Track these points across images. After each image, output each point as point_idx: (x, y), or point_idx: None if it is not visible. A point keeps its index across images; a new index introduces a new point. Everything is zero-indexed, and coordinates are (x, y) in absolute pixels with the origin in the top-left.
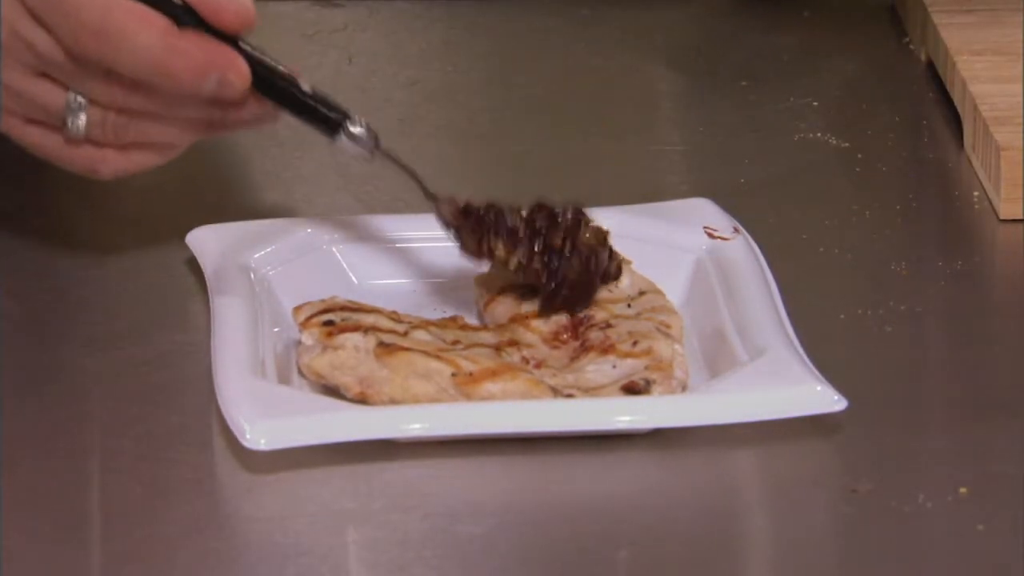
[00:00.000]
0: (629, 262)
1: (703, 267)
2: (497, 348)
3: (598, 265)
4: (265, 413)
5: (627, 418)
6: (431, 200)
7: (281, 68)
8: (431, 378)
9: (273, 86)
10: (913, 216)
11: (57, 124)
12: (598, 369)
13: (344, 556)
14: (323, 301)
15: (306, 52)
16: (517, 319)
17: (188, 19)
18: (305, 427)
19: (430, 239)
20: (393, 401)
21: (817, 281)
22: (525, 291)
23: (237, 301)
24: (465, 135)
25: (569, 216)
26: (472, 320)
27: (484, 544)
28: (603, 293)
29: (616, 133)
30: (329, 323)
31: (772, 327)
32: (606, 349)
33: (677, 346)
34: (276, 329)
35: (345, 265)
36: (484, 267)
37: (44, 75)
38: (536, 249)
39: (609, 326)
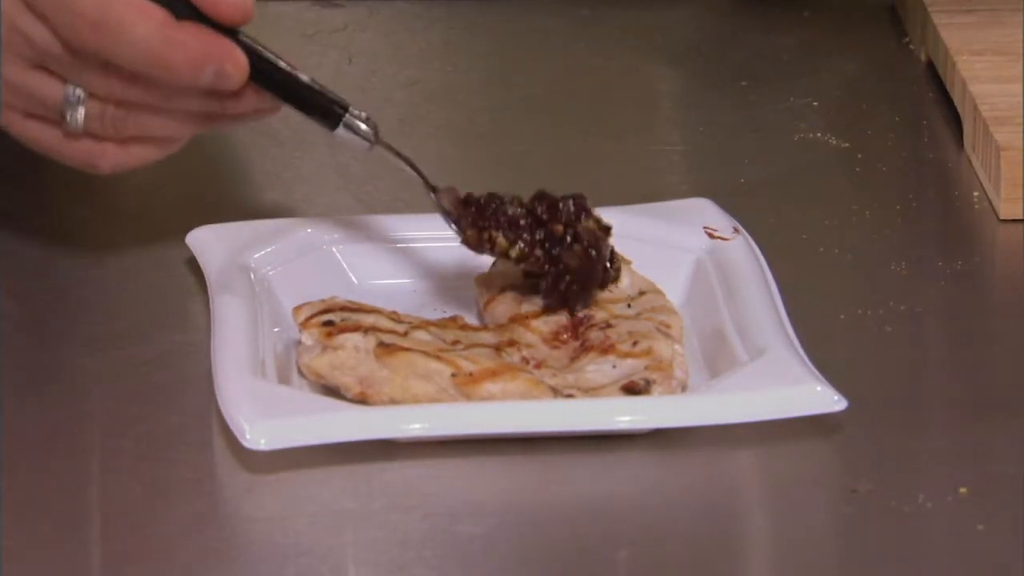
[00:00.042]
0: (629, 262)
1: (703, 267)
2: (497, 348)
3: (600, 254)
4: (265, 413)
5: (627, 418)
6: (431, 191)
7: (279, 60)
8: (431, 378)
9: (271, 78)
10: (913, 216)
11: (56, 118)
12: (598, 369)
13: (344, 556)
14: (323, 301)
15: (306, 52)
16: (517, 319)
17: (186, 11)
18: (305, 427)
19: (430, 239)
20: (393, 401)
21: (817, 281)
22: (525, 291)
23: (237, 301)
24: (465, 135)
25: (571, 205)
26: (472, 320)
27: (484, 544)
28: (603, 293)
29: (616, 133)
30: (329, 323)
31: (772, 327)
32: (606, 349)
33: (677, 346)
34: (276, 329)
35: (345, 265)
36: (485, 263)
37: (42, 68)
38: (537, 238)
39: (609, 326)
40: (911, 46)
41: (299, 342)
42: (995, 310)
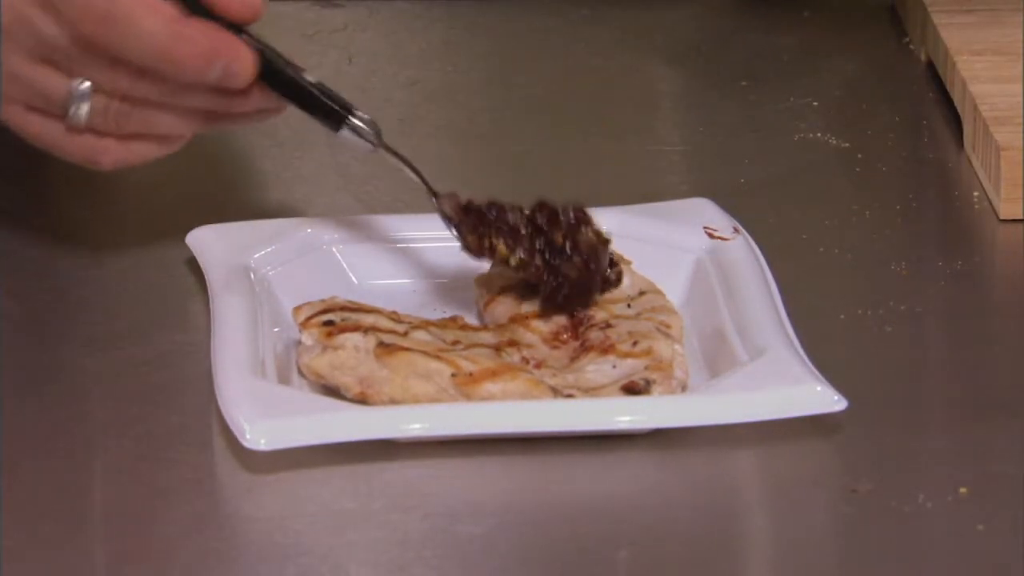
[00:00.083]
0: (629, 262)
1: (703, 267)
2: (497, 348)
3: (599, 264)
4: (265, 413)
5: (627, 418)
6: (433, 196)
7: (286, 60)
8: (431, 378)
9: (277, 77)
10: (913, 216)
11: (59, 112)
12: (598, 369)
13: (344, 556)
14: (323, 301)
15: (306, 52)
16: (517, 319)
17: (195, 7)
18: (305, 427)
19: (430, 239)
20: (393, 401)
21: (817, 281)
22: (525, 291)
23: (237, 301)
24: (465, 135)
25: (571, 215)
26: (472, 320)
27: (484, 544)
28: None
29: (616, 133)
30: (329, 323)
31: (772, 327)
32: (606, 349)
33: (677, 346)
34: (276, 329)
35: (345, 265)
36: (485, 264)
37: (47, 62)
38: (537, 247)
39: (609, 326)
40: (911, 46)
41: (299, 342)
42: (995, 310)
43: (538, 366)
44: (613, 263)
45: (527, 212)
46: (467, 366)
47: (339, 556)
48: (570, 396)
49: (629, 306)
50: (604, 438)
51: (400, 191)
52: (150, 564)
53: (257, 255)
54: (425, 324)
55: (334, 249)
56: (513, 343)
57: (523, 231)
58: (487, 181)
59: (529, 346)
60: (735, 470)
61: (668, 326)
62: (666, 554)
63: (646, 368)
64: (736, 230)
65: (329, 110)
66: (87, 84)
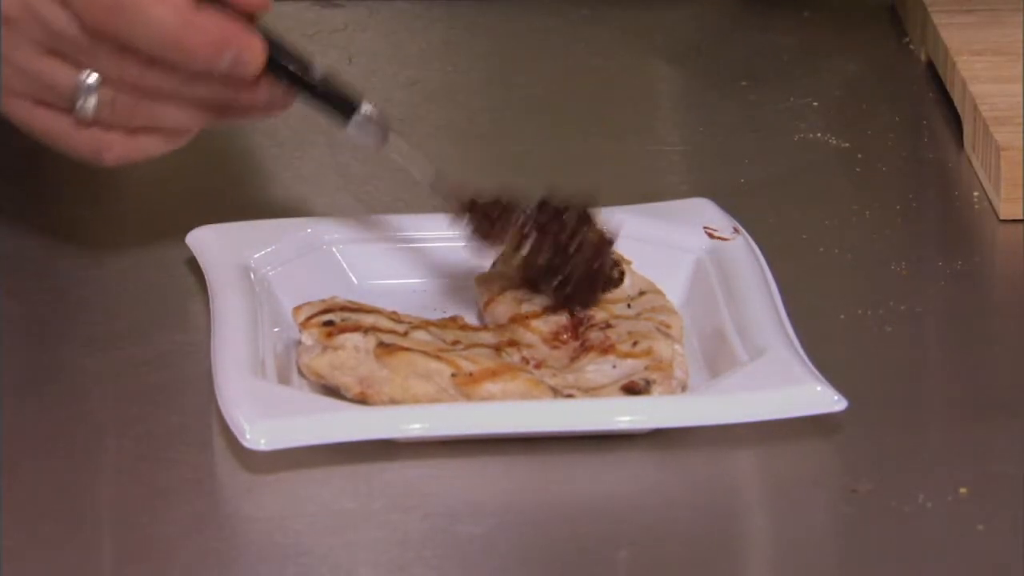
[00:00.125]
0: (629, 262)
1: (703, 267)
2: (497, 348)
3: (602, 263)
4: (265, 413)
5: (627, 418)
6: (442, 184)
7: (295, 51)
8: (431, 378)
9: (287, 68)
10: (913, 216)
11: (66, 106)
12: (598, 369)
13: (344, 556)
14: (323, 301)
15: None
16: (517, 319)
17: None
18: (305, 427)
19: (430, 239)
20: (393, 401)
21: (817, 281)
22: (525, 291)
23: (237, 301)
24: (465, 135)
25: (577, 210)
26: (472, 320)
27: (484, 544)
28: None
29: (616, 133)
30: (329, 323)
31: (772, 327)
32: (606, 349)
33: (677, 346)
34: (276, 329)
35: (345, 265)
36: (485, 264)
37: (55, 54)
38: (543, 242)
39: (609, 326)
40: (911, 46)
41: (299, 342)
42: (995, 310)
43: (538, 366)
44: (615, 263)
45: (532, 206)
46: (467, 366)
47: (339, 556)
48: (570, 396)
49: (629, 306)
50: (604, 438)
51: (400, 191)
52: (150, 564)
53: (257, 255)
54: (425, 324)
55: (334, 249)
56: (513, 343)
57: (528, 226)
58: (487, 181)
59: (529, 346)
60: (735, 470)
61: (668, 326)
62: (666, 554)
63: (646, 368)
64: (736, 230)
65: (338, 100)
66: (95, 76)
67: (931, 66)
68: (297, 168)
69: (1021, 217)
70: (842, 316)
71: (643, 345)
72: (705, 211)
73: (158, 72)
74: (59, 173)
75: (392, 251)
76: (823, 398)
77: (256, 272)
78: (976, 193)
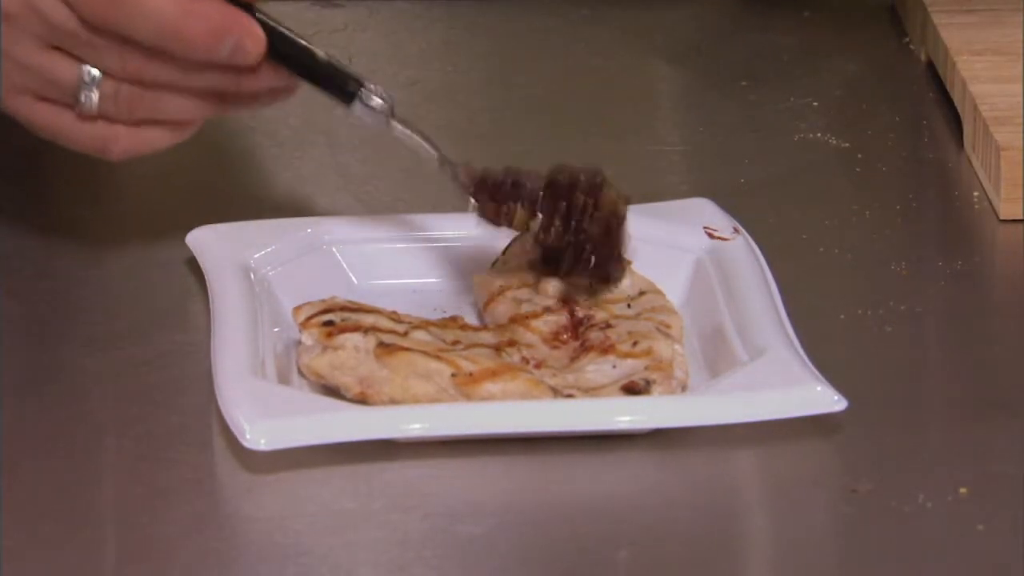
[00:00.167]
0: (629, 262)
1: (703, 267)
2: (497, 348)
3: (621, 223)
4: (265, 413)
5: (627, 418)
6: (448, 166)
7: (295, 36)
8: (431, 378)
9: (288, 54)
10: (913, 216)
11: (68, 100)
12: (598, 369)
13: (344, 556)
14: (323, 301)
15: None
16: (517, 319)
17: None
18: (305, 427)
19: (430, 239)
20: (393, 401)
21: (817, 281)
22: (525, 291)
23: (237, 301)
24: (465, 135)
25: (590, 177)
26: (472, 320)
27: (484, 544)
28: (603, 293)
29: (616, 133)
30: (329, 323)
31: (772, 327)
32: (606, 349)
33: (677, 346)
34: (276, 329)
35: (345, 265)
36: (486, 258)
37: (56, 49)
38: (557, 210)
39: (609, 326)
40: (911, 46)
41: (299, 342)
42: (995, 310)
43: (538, 366)
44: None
45: (544, 176)
46: (467, 366)
47: (339, 556)
48: (570, 396)
49: (629, 306)
50: (604, 438)
51: (400, 191)
52: (150, 564)
53: (257, 255)
54: (425, 324)
55: (334, 249)
56: (513, 343)
57: (541, 194)
58: None
59: (529, 346)
60: (735, 470)
61: (668, 326)
62: (666, 554)
63: (646, 368)
64: (736, 230)
65: (341, 84)
66: (97, 70)
67: (931, 66)
68: (297, 168)
69: (1021, 217)
70: (842, 316)
71: (643, 345)
72: (705, 211)
73: (159, 63)
74: (59, 173)
75: (392, 251)
76: (823, 398)
77: (256, 272)
78: (976, 193)
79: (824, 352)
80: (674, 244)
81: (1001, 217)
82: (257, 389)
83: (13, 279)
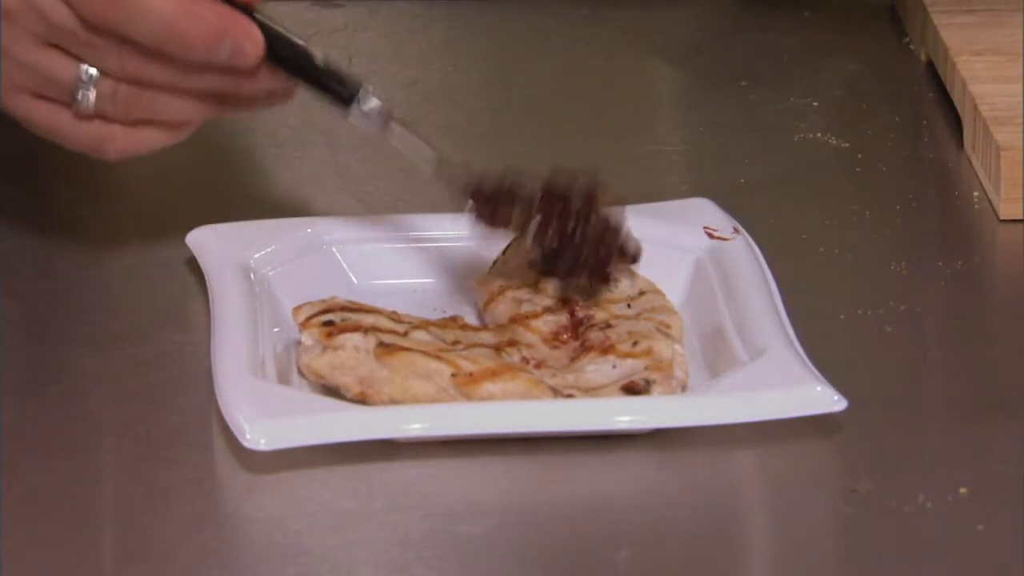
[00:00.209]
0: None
1: (703, 267)
2: (497, 348)
3: (616, 226)
4: (265, 413)
5: (627, 418)
6: (446, 168)
7: (294, 38)
8: (431, 378)
9: (287, 56)
10: (913, 216)
11: (66, 99)
12: (598, 369)
13: (344, 556)
14: (323, 301)
15: None
16: (517, 319)
17: None
18: (305, 427)
19: (430, 239)
20: (393, 401)
21: (817, 281)
22: (525, 291)
23: (237, 301)
24: (465, 135)
25: (587, 182)
26: (472, 320)
27: (484, 544)
28: (603, 293)
29: (616, 133)
30: (329, 323)
31: (772, 327)
32: (606, 349)
33: (677, 346)
34: (276, 329)
35: (345, 265)
36: (486, 258)
37: (54, 47)
38: (554, 215)
39: (609, 326)
40: (911, 46)
41: (299, 342)
42: (995, 310)
43: (538, 366)
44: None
45: (540, 179)
46: (467, 366)
47: (339, 556)
48: (570, 396)
49: (629, 306)
50: (604, 438)
51: (400, 191)
52: (150, 564)
53: (257, 255)
54: (425, 324)
55: (334, 249)
56: (513, 343)
57: (538, 200)
58: None
59: (529, 346)
60: (735, 470)
61: (668, 326)
62: (666, 554)
63: (646, 368)
64: (736, 230)
65: (339, 86)
66: (95, 69)
67: (931, 66)
68: (297, 168)
69: (1021, 217)
70: (842, 316)
71: (643, 345)
72: (705, 211)
73: (158, 64)
74: (59, 173)
75: (392, 251)
76: (823, 398)
77: (256, 272)
78: (976, 193)
79: (824, 352)
80: (674, 244)
81: (1001, 217)
82: (257, 389)
83: (13, 279)
